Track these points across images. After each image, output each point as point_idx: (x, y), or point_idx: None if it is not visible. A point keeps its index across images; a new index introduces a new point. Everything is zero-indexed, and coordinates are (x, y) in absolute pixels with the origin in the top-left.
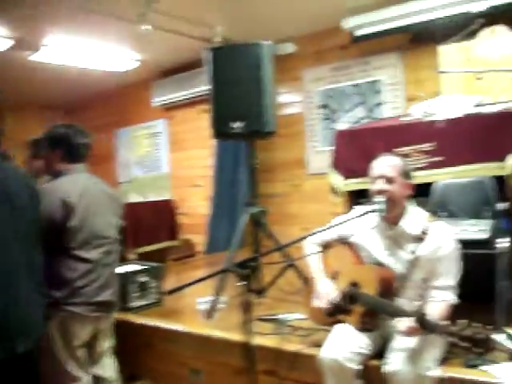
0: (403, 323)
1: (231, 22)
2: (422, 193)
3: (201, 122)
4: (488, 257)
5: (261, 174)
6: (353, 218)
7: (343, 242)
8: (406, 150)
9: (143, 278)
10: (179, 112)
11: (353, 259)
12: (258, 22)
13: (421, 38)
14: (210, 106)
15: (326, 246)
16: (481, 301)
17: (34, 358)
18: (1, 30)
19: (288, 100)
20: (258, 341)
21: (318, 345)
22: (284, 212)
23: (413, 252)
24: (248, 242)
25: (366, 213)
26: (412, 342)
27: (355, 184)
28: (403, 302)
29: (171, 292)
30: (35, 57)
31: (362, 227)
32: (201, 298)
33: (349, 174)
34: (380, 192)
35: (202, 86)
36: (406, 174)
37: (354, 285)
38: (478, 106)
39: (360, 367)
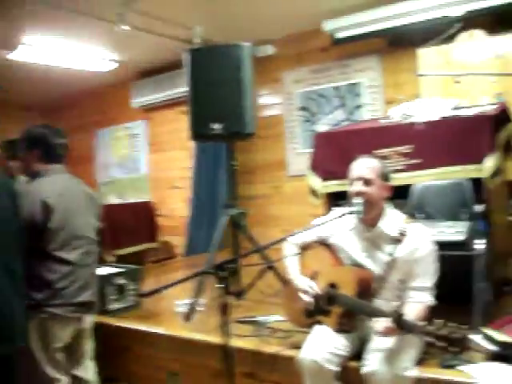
0: (380, 323)
1: (211, 23)
2: (400, 195)
3: (180, 123)
4: (465, 258)
5: (241, 176)
6: (331, 220)
7: (322, 243)
8: (384, 152)
9: (121, 281)
10: (158, 113)
11: (331, 260)
12: (238, 24)
13: (400, 42)
14: (188, 107)
15: (305, 248)
16: (458, 302)
17: (14, 360)
18: None
19: (268, 102)
20: (236, 343)
21: (297, 346)
22: (264, 214)
23: (390, 253)
24: (228, 244)
25: (344, 214)
26: (389, 342)
27: (334, 186)
28: (381, 302)
29: (147, 295)
30: (13, 56)
31: (341, 229)
32: (180, 300)
33: (327, 175)
34: (358, 194)
35: (182, 88)
36: (384, 176)
37: (333, 286)
38: (455, 109)
39: (338, 369)
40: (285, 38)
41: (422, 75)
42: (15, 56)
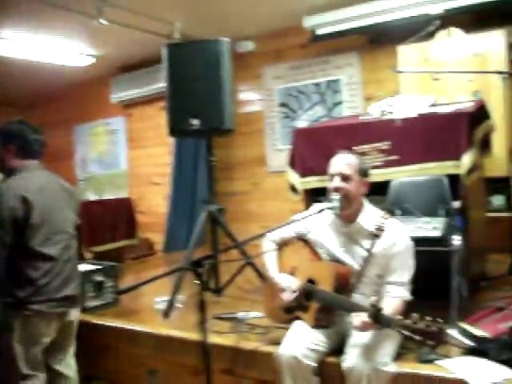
0: (358, 318)
1: (191, 19)
2: (378, 191)
3: (160, 119)
4: (442, 254)
5: (221, 172)
6: (309, 216)
7: (300, 239)
8: (363, 148)
9: (99, 278)
10: (138, 109)
11: (310, 256)
12: (218, 20)
13: (380, 39)
14: (166, 102)
15: (284, 244)
16: (435, 297)
17: None
18: None
19: (248, 98)
20: (215, 340)
21: (276, 342)
22: (244, 210)
23: (368, 248)
24: (208, 240)
25: (323, 210)
26: (367, 337)
27: (313, 182)
28: (359, 297)
29: (124, 291)
30: None
31: (319, 224)
32: (159, 297)
33: (306, 172)
34: (336, 189)
35: (162, 83)
36: (362, 172)
37: (311, 281)
38: (433, 105)
39: (316, 364)
40: (265, 35)
41: (399, 72)
42: None
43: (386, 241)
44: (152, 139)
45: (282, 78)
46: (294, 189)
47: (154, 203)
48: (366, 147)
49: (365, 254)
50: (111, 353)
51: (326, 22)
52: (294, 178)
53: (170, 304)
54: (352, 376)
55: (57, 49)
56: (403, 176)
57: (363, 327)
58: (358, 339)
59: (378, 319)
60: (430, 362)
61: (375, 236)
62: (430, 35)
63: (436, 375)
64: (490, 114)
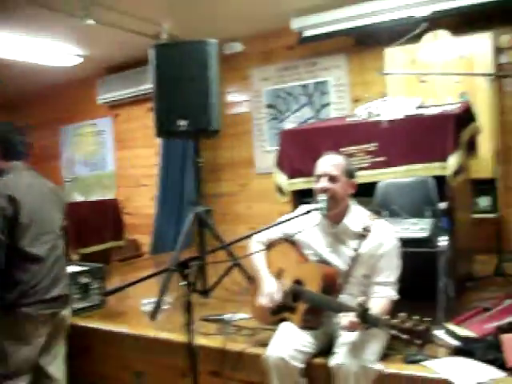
0: (345, 318)
1: (178, 20)
2: (365, 193)
3: (147, 120)
4: (428, 255)
5: (209, 174)
6: (296, 217)
7: (288, 240)
8: (350, 149)
9: (85, 280)
10: (125, 110)
11: (297, 257)
12: (206, 21)
13: (367, 41)
14: (153, 103)
15: (271, 245)
16: (422, 298)
17: None
18: None
19: (236, 99)
20: (202, 341)
21: (263, 344)
22: (232, 212)
23: (355, 249)
24: (196, 241)
25: (310, 211)
26: (354, 336)
27: (300, 183)
28: (346, 298)
29: (110, 293)
30: None
31: (306, 225)
32: (146, 299)
33: (294, 173)
34: (323, 190)
35: (149, 84)
36: (349, 173)
37: (298, 282)
38: (419, 107)
39: (303, 365)
40: (253, 36)
41: (386, 74)
42: None
43: (372, 241)
44: (139, 140)
45: (270, 80)
46: (281, 190)
47: (142, 204)
48: (352, 148)
49: (352, 254)
50: (97, 355)
51: (314, 24)
52: (281, 179)
53: (157, 306)
54: (340, 373)
55: (43, 49)
56: (390, 177)
57: (351, 327)
58: (346, 339)
59: (365, 319)
60: (416, 362)
61: (362, 236)
62: (417, 37)
63: (422, 376)
64: (476, 115)
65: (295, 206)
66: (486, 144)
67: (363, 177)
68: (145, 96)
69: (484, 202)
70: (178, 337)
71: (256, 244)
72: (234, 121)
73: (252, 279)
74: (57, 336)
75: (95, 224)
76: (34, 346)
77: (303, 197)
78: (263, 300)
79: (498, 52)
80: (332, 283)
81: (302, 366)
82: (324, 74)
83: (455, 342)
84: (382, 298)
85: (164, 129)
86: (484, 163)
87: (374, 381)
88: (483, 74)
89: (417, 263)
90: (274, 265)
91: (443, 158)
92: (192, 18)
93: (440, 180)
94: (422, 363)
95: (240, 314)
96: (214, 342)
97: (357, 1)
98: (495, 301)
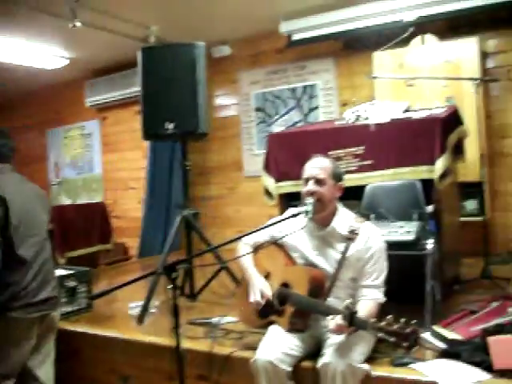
0: (333, 322)
1: (167, 23)
2: (353, 196)
3: (135, 123)
4: (415, 258)
5: (197, 177)
6: (283, 220)
7: (275, 243)
8: (337, 153)
9: (72, 283)
10: (113, 113)
11: (284, 260)
12: (194, 24)
13: (355, 45)
14: (140, 106)
15: (258, 248)
16: (409, 301)
17: None
18: None
19: (224, 102)
20: (189, 345)
21: (251, 348)
22: (220, 215)
23: (342, 252)
24: (184, 245)
25: (297, 214)
26: (342, 338)
27: (288, 186)
28: (334, 301)
29: (96, 297)
30: None
31: (293, 228)
32: (133, 302)
33: (281, 176)
34: (310, 193)
35: (137, 87)
36: (336, 176)
37: (285, 285)
38: (406, 111)
39: (291, 369)
40: (241, 39)
41: (374, 78)
42: None
43: (359, 244)
44: (127, 143)
45: (259, 83)
46: (269, 193)
47: (129, 207)
48: (340, 152)
49: (339, 257)
50: (84, 359)
51: (303, 28)
52: (268, 182)
53: (144, 309)
54: (327, 373)
55: (30, 51)
56: (377, 180)
57: (338, 330)
58: (333, 341)
59: (352, 322)
60: (404, 365)
61: (349, 239)
62: (405, 42)
63: (409, 378)
64: (463, 119)
65: (283, 210)
66: (472, 148)
67: (351, 180)
68: (132, 99)
69: (471, 205)
70: (165, 340)
71: (244, 246)
72: (222, 124)
73: (239, 282)
74: (46, 337)
75: (82, 227)
76: (25, 349)
77: (291, 200)
78: (254, 296)
79: (484, 57)
80: (319, 286)
81: (289, 369)
82: (312, 77)
83: (442, 345)
84: (369, 300)
85: (151, 131)
86: (471, 167)
87: (361, 382)
88: (470, 79)
89: (404, 266)
90: (261, 268)
91: (430, 162)
92: (180, 21)
93: (427, 183)
94: (409, 366)
95: (227, 317)
96: (201, 345)
97: (345, 5)
98: (482, 303)
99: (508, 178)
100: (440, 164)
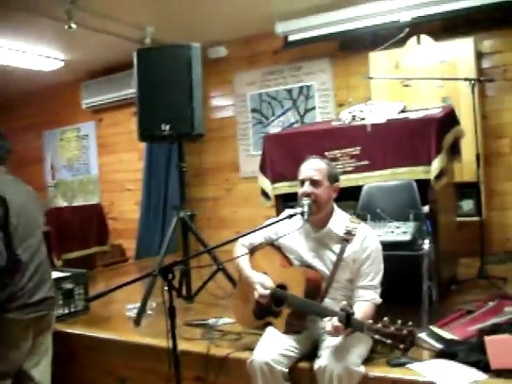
0: (329, 323)
1: (162, 24)
2: (351, 196)
3: (131, 124)
4: (412, 258)
5: (194, 178)
6: (280, 221)
7: (271, 244)
8: (334, 153)
9: (68, 285)
10: (109, 114)
11: (280, 261)
12: (190, 25)
13: (351, 45)
14: (136, 107)
15: (255, 249)
16: (406, 302)
17: None
18: None
19: (220, 104)
20: (186, 346)
21: (247, 349)
22: (217, 216)
23: (338, 253)
24: (180, 246)
25: (293, 215)
26: (339, 340)
27: (284, 187)
28: (330, 302)
29: (92, 299)
30: None
31: (289, 229)
32: (130, 304)
33: (277, 177)
34: (306, 194)
35: (133, 89)
36: (332, 178)
37: (282, 287)
38: (402, 111)
39: (287, 370)
40: (237, 40)
41: (371, 78)
42: None
43: (356, 245)
44: (123, 145)
45: (255, 84)
46: (265, 194)
47: (126, 209)
48: (336, 152)
49: (335, 258)
50: (81, 361)
51: (299, 29)
52: (265, 183)
53: (141, 311)
54: (323, 376)
55: (26, 53)
56: (373, 181)
57: (335, 332)
58: (330, 342)
59: (349, 323)
60: (400, 365)
61: (345, 241)
62: (401, 42)
63: (406, 379)
64: (459, 119)
65: (279, 211)
66: (468, 148)
67: (347, 180)
68: (129, 100)
69: (467, 205)
70: (162, 342)
71: (241, 247)
72: (218, 125)
73: (236, 283)
74: (42, 337)
75: (79, 229)
76: (23, 349)
77: (288, 201)
78: (257, 292)
79: (480, 57)
80: (316, 288)
81: (286, 370)
82: (308, 78)
83: (439, 345)
84: (365, 301)
85: (147, 133)
86: (467, 167)
87: (358, 382)
88: (466, 79)
89: (400, 266)
90: (257, 268)
91: (426, 162)
92: (176, 22)
93: (423, 183)
94: (406, 366)
95: (224, 318)
96: (198, 347)
97: (341, 6)
98: (479, 303)
99: (504, 177)
100: (436, 164)
